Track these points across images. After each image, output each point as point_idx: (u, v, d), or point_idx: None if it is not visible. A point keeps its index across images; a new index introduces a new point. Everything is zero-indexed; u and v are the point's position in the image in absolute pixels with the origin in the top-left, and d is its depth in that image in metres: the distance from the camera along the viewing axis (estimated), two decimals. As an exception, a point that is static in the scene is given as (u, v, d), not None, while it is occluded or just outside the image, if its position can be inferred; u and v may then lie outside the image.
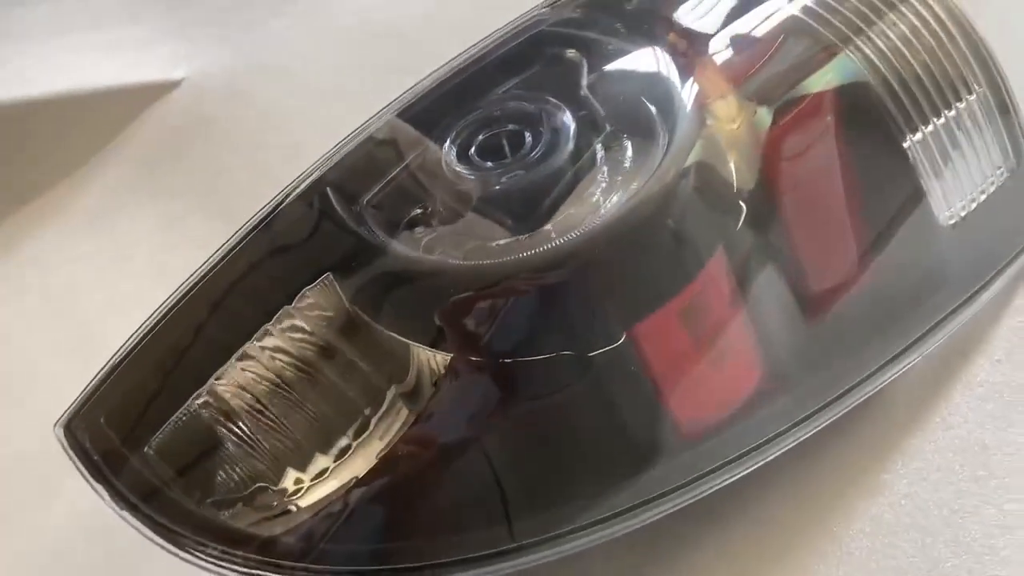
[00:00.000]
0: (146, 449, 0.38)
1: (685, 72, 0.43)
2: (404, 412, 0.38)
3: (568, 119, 0.42)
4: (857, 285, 0.45)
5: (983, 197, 0.48)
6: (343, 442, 0.39)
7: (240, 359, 0.39)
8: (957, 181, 0.46)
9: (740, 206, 0.40)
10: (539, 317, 0.37)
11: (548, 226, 0.40)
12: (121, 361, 0.40)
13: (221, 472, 0.38)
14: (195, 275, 0.42)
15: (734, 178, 0.41)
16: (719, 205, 0.40)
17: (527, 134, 0.41)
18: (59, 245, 0.65)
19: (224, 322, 0.41)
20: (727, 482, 0.41)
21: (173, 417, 0.39)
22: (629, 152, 0.41)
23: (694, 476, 0.40)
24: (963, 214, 0.47)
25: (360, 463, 0.38)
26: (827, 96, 0.43)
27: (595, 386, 0.38)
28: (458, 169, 0.40)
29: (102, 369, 0.40)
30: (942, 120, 0.46)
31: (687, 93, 0.42)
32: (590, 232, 0.38)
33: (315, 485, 0.39)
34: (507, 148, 0.42)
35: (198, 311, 0.41)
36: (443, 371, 0.37)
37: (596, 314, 0.38)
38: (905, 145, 0.44)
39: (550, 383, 0.37)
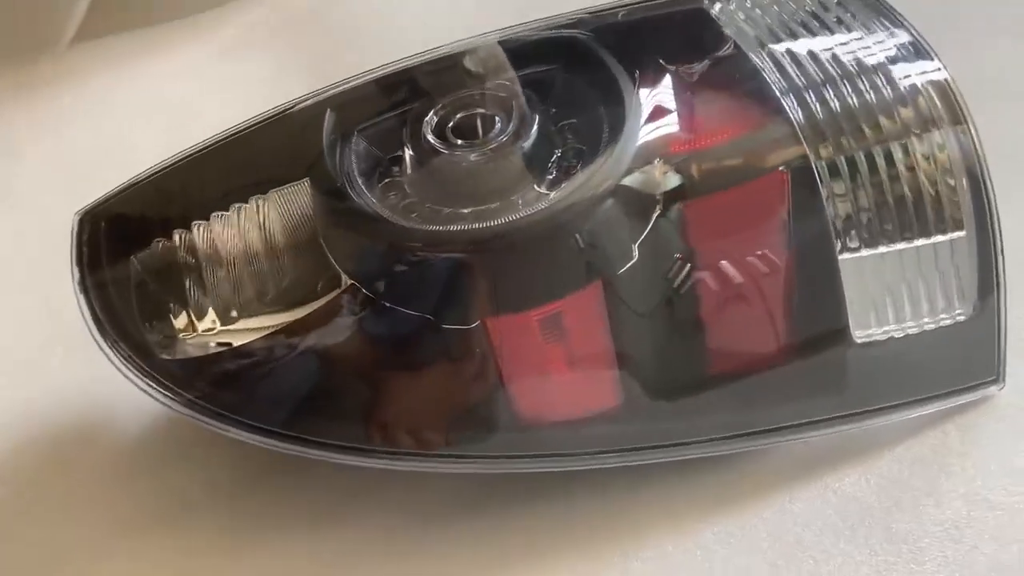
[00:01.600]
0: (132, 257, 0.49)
1: (648, 112, 0.46)
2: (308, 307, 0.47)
3: (533, 115, 0.47)
4: (749, 363, 0.49)
5: (915, 331, 0.49)
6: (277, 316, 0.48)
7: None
8: (886, 307, 0.48)
9: (632, 252, 0.45)
10: (421, 282, 0.44)
11: (495, 204, 0.46)
12: (138, 182, 0.51)
13: (174, 302, 0.49)
14: (224, 134, 0.52)
15: (646, 225, 0.45)
16: (615, 243, 0.45)
17: (498, 120, 0.47)
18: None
19: (224, 182, 0.51)
20: (549, 469, 0.47)
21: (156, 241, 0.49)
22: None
23: (525, 453, 0.47)
24: (883, 338, 0.49)
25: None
26: (776, 183, 0.46)
27: (443, 351, 0.45)
28: (432, 141, 0.46)
29: (124, 183, 0.51)
30: (889, 247, 0.47)
31: (637, 129, 0.46)
32: (493, 227, 0.44)
33: (240, 333, 0.48)
34: (480, 130, 0.48)
35: (211, 164, 0.51)
36: (343, 291, 0.46)
37: (463, 296, 0.44)
38: (840, 256, 0.47)
39: (409, 334, 0.45)
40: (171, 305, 0.48)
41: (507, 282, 0.44)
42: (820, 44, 0.48)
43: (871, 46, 0.48)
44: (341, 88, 0.52)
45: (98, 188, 0.51)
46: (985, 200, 0.47)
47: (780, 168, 0.45)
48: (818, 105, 0.46)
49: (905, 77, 0.47)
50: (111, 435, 0.55)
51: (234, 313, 0.48)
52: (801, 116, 0.46)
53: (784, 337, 0.48)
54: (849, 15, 0.50)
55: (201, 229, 0.49)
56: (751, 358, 0.48)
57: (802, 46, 0.49)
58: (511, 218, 0.44)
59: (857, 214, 0.46)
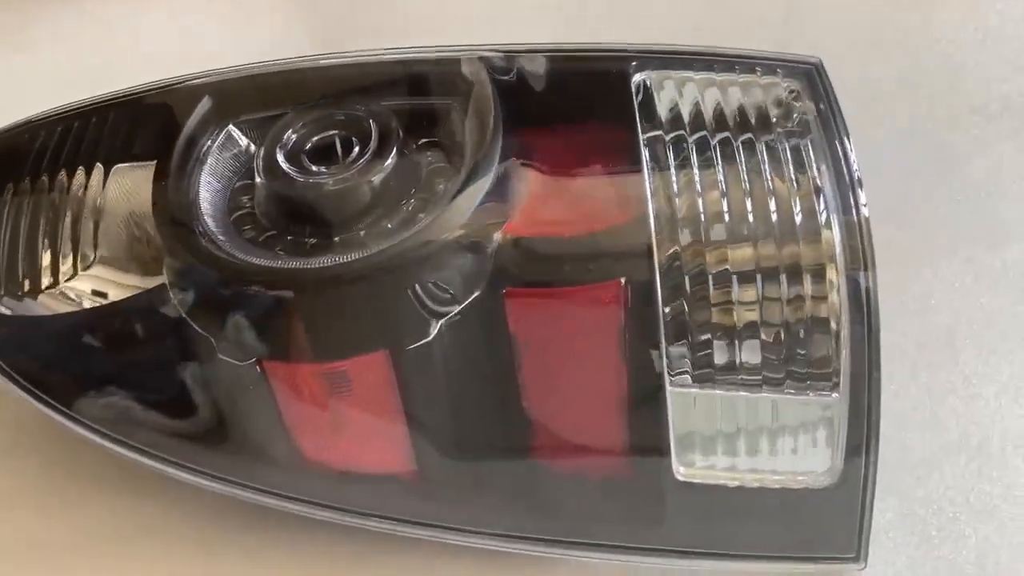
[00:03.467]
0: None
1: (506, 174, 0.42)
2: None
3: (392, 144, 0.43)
4: (561, 464, 0.45)
5: (755, 485, 0.43)
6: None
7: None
8: (717, 453, 0.43)
9: (430, 330, 0.41)
10: (211, 308, 0.43)
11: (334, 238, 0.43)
12: (46, 118, 0.50)
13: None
14: (146, 87, 0.50)
15: (462, 300, 0.41)
16: (415, 314, 0.41)
17: (355, 142, 0.44)
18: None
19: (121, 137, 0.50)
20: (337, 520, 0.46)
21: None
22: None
23: (315, 500, 0.46)
24: (711, 483, 0.43)
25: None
26: (612, 293, 0.41)
27: (228, 381, 0.43)
28: (286, 168, 0.43)
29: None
30: (727, 392, 0.42)
31: (483, 190, 0.42)
32: (287, 269, 0.41)
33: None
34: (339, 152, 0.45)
35: (120, 116, 0.49)
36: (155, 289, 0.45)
37: (262, 334, 0.42)
38: (668, 387, 0.41)
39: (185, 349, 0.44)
40: (43, 241, 0.47)
41: (292, 328, 0.41)
42: (731, 143, 0.42)
43: (787, 152, 0.42)
44: (256, 70, 0.50)
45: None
46: (867, 361, 0.40)
47: (621, 279, 0.40)
48: (685, 211, 0.40)
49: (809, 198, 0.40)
50: None
51: (90, 267, 0.47)
52: (662, 223, 0.40)
53: (603, 448, 0.44)
54: (790, 124, 0.43)
55: (81, 176, 0.48)
56: (563, 459, 0.44)
57: (708, 139, 0.42)
58: (319, 263, 0.41)
59: (693, 345, 0.40)
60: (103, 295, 0.45)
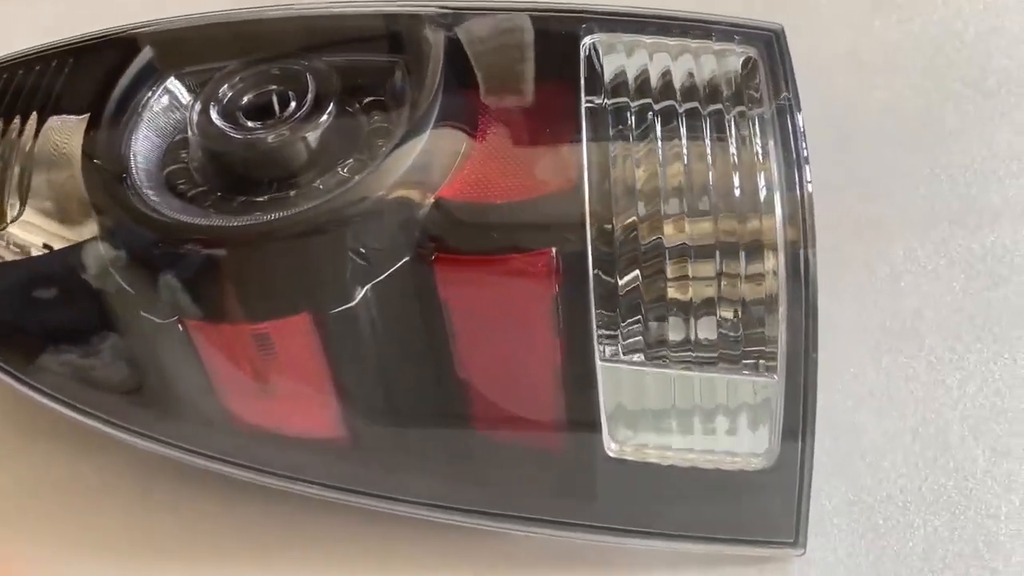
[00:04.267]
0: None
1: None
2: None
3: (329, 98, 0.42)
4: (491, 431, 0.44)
5: (685, 465, 0.42)
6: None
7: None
8: (648, 430, 0.42)
9: (353, 294, 0.40)
10: (140, 265, 0.42)
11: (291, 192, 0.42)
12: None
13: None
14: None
15: (388, 266, 0.40)
16: (338, 277, 0.40)
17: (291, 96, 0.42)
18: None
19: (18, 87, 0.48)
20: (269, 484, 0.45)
21: None
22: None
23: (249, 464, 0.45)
24: (639, 459, 0.42)
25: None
26: (543, 263, 0.40)
27: (153, 339, 0.43)
28: (219, 124, 0.42)
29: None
30: (658, 369, 0.40)
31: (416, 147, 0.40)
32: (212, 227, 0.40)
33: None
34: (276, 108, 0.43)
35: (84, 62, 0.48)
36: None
37: (182, 292, 0.41)
38: (598, 361, 0.40)
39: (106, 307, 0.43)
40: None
41: (211, 287, 0.41)
42: (674, 112, 0.40)
43: (733, 125, 0.40)
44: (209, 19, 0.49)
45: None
46: (805, 341, 0.39)
47: (552, 248, 0.39)
48: (619, 176, 0.39)
49: (752, 172, 0.39)
50: None
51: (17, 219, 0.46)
52: (595, 193, 0.39)
53: (535, 420, 0.43)
54: (739, 94, 0.41)
55: (17, 124, 0.47)
56: (495, 429, 0.43)
57: (651, 107, 0.41)
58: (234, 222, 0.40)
59: (625, 320, 0.39)
60: (28, 248, 0.44)
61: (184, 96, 0.46)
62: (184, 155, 0.44)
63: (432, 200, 0.40)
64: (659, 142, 0.40)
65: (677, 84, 0.41)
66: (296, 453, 0.45)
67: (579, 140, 0.40)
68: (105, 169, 0.42)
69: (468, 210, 0.40)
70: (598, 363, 0.40)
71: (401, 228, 0.40)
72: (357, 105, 0.44)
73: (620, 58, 0.42)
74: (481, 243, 0.40)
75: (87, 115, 0.44)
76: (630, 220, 0.39)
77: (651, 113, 0.40)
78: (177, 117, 0.46)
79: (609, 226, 0.39)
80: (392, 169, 0.40)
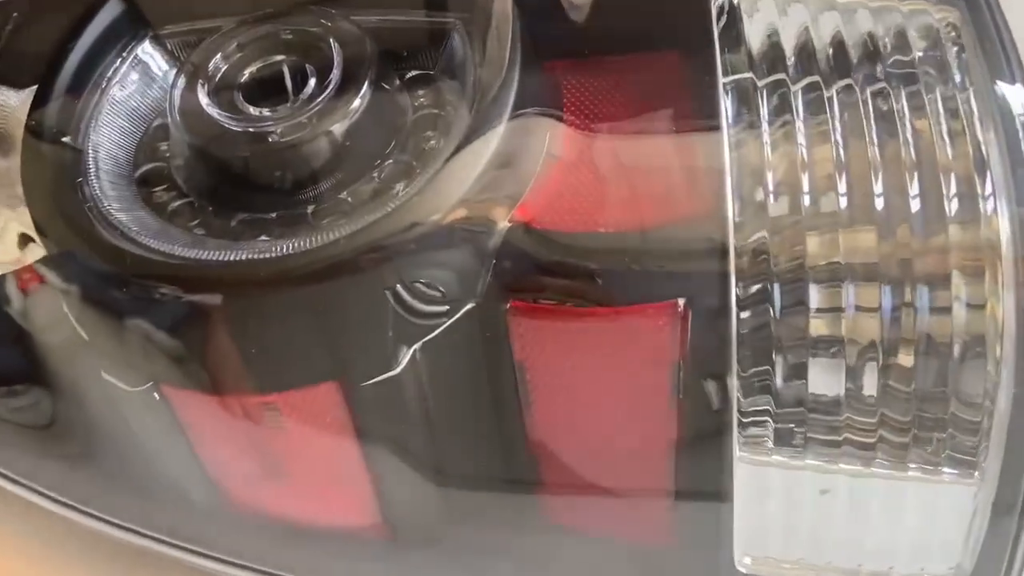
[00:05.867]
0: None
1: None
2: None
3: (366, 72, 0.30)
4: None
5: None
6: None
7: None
8: (798, 544, 0.30)
9: (399, 358, 0.29)
10: (87, 317, 0.30)
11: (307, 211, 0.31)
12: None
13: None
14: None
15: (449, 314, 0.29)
16: (379, 342, 0.29)
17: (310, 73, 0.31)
18: None
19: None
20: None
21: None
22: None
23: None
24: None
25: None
26: (666, 317, 0.28)
27: (125, 405, 0.31)
28: (211, 110, 0.31)
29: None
30: (821, 463, 0.29)
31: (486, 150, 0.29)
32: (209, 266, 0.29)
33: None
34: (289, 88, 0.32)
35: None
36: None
37: (173, 348, 0.30)
38: (736, 453, 0.29)
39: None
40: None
41: (206, 345, 0.29)
42: (853, 91, 0.28)
43: (937, 108, 0.28)
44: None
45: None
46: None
47: (678, 299, 0.27)
48: (781, 188, 0.27)
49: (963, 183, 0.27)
50: None
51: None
52: (745, 211, 0.27)
53: (636, 515, 0.32)
54: (941, 68, 0.29)
55: None
56: (583, 521, 0.32)
57: (821, 86, 0.29)
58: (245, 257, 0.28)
59: (780, 403, 0.27)
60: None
61: (162, 66, 0.34)
62: (163, 149, 0.32)
63: (507, 225, 0.28)
64: (837, 137, 0.27)
65: (853, 52, 0.29)
66: (316, 548, 0.34)
67: (717, 135, 0.28)
68: (54, 168, 0.31)
69: (557, 240, 0.28)
70: (736, 453, 0.28)
71: (464, 265, 0.28)
72: (397, 82, 0.32)
73: (769, 16, 0.30)
74: (575, 288, 0.28)
75: (31, 88, 0.32)
76: (794, 262, 0.27)
77: (820, 92, 0.28)
78: (154, 95, 0.34)
79: (761, 252, 0.27)
80: (456, 179, 0.28)
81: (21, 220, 0.31)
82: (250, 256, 0.28)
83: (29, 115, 0.31)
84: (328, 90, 0.30)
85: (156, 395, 0.29)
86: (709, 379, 0.28)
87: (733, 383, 0.28)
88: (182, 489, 0.33)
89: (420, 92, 0.32)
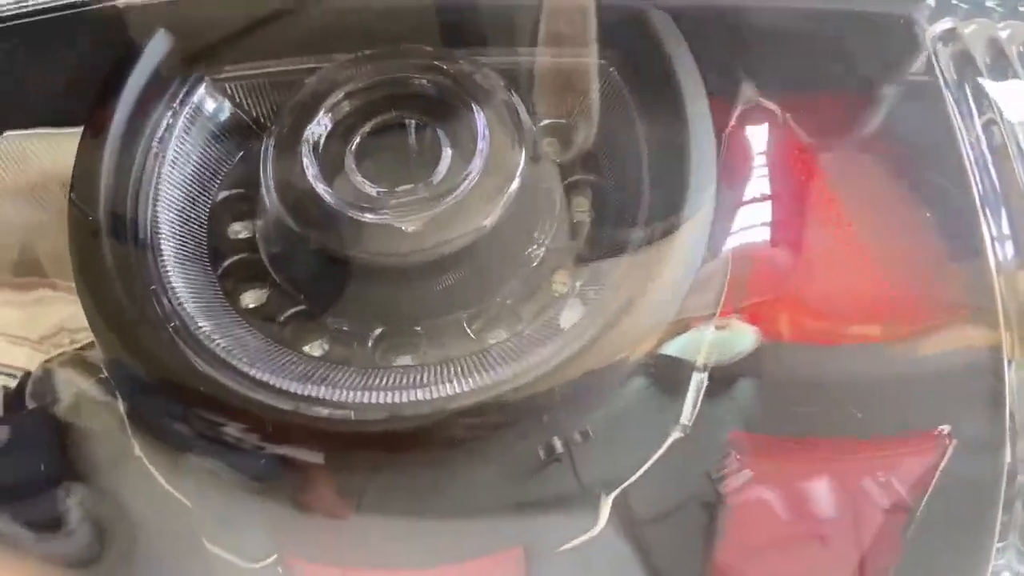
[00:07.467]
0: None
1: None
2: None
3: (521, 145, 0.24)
4: None
5: None
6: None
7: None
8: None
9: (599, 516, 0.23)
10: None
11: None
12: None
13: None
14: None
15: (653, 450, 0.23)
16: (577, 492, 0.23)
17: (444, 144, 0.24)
18: None
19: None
20: None
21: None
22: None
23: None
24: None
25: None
26: (928, 447, 0.23)
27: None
28: (318, 187, 0.23)
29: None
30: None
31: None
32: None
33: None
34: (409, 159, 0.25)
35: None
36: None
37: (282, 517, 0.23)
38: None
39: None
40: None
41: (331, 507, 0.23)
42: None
43: None
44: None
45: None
46: None
47: (942, 427, 0.22)
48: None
49: None
50: None
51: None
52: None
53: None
54: None
55: None
56: None
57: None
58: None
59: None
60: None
61: (224, 115, 0.27)
62: (240, 228, 0.25)
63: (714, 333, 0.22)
64: None
65: None
66: None
67: (971, 209, 0.23)
68: (116, 267, 0.23)
69: (792, 357, 0.23)
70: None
71: (668, 400, 0.22)
72: (536, 140, 0.25)
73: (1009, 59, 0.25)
74: (810, 419, 0.23)
75: (70, 130, 0.25)
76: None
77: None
78: (216, 153, 0.26)
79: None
80: (664, 295, 0.22)
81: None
82: (380, 401, 0.21)
83: (73, 184, 0.24)
84: (472, 172, 0.23)
85: (280, 570, 0.23)
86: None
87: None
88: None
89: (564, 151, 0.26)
